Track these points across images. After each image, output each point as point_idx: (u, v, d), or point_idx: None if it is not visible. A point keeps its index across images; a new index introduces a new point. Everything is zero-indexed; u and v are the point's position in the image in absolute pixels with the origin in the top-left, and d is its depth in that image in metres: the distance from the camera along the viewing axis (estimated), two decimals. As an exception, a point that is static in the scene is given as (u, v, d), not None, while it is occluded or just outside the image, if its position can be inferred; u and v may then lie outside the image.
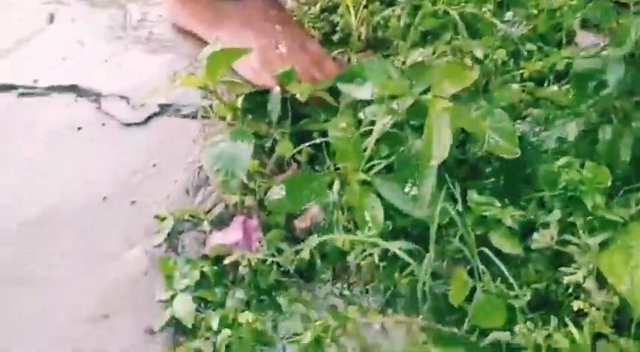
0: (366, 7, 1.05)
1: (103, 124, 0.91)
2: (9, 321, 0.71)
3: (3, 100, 0.96)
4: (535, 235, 0.70)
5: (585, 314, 0.66)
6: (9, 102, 0.94)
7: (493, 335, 0.67)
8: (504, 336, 0.67)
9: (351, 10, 1.04)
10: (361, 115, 0.79)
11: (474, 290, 0.71)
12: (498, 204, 0.70)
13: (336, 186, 0.78)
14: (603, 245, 0.67)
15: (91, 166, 0.86)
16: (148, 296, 0.74)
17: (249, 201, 0.83)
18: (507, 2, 0.99)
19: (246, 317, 0.70)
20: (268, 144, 0.87)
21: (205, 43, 0.97)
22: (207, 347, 0.67)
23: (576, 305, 0.62)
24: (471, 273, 0.72)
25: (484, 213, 0.71)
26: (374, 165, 0.78)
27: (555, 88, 0.79)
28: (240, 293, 0.74)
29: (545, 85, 0.84)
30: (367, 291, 0.77)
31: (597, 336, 0.66)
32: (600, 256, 0.66)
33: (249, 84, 0.90)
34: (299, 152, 0.86)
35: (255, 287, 0.75)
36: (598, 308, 0.62)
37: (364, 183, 0.77)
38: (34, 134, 0.90)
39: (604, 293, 0.64)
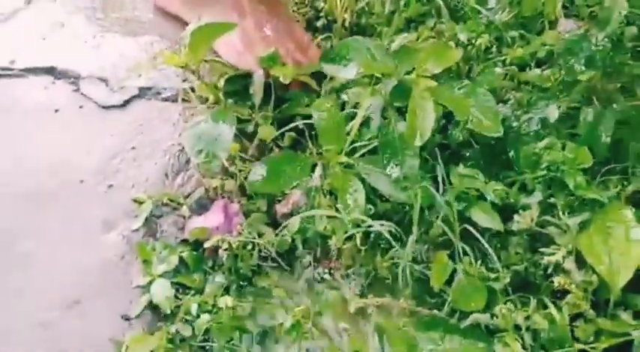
0: (349, -8, 1.04)
1: (81, 107, 0.88)
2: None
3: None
4: (516, 217, 0.70)
5: (564, 295, 0.66)
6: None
7: (473, 317, 0.67)
8: (484, 318, 0.67)
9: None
10: (344, 98, 0.79)
11: (454, 273, 0.71)
12: (482, 178, 0.70)
13: (319, 169, 0.77)
14: (582, 226, 0.67)
15: (68, 150, 0.84)
16: (124, 282, 0.72)
17: (229, 185, 0.82)
18: (491, -11, 0.99)
19: (225, 301, 0.70)
20: (250, 129, 0.86)
21: (184, 23, 0.95)
22: (186, 331, 0.66)
23: (556, 281, 0.62)
24: (452, 257, 0.72)
25: (466, 188, 0.71)
26: (357, 148, 0.77)
27: (537, 71, 0.79)
28: (219, 278, 0.73)
29: (528, 70, 0.84)
30: (348, 276, 0.76)
31: (575, 317, 0.66)
32: (579, 237, 0.67)
33: (231, 66, 0.88)
34: (281, 137, 0.85)
35: (235, 272, 0.74)
36: (577, 287, 0.63)
37: (347, 166, 0.76)
38: (11, 116, 0.88)
39: (583, 273, 0.64)
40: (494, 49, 0.89)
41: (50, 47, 0.98)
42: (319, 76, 0.89)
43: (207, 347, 0.67)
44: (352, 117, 0.78)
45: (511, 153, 0.74)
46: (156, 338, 0.64)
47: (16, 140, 0.85)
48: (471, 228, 0.70)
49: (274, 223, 0.78)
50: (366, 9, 1.04)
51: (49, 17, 1.01)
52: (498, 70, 0.80)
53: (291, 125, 0.81)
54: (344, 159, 0.76)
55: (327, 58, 0.78)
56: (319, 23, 1.06)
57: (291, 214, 0.77)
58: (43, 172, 0.81)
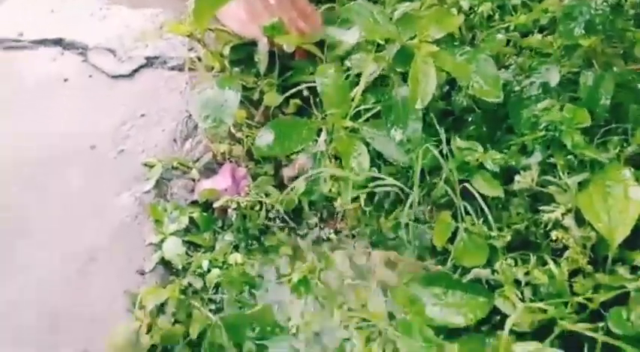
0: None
1: (90, 76, 0.90)
2: (1, 263, 0.72)
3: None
4: (517, 177, 0.72)
5: (562, 253, 0.68)
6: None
7: (475, 272, 0.69)
8: (485, 273, 0.69)
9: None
10: (348, 64, 0.80)
11: (456, 233, 0.73)
12: (481, 149, 0.72)
13: (324, 133, 0.79)
14: (582, 185, 0.69)
15: (78, 117, 0.86)
16: (138, 240, 0.75)
17: (237, 150, 0.84)
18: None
19: (235, 258, 0.72)
20: (256, 96, 0.87)
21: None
22: (197, 283, 0.69)
23: (554, 234, 0.64)
24: (454, 217, 0.74)
25: (467, 158, 0.72)
26: (361, 113, 0.79)
27: (539, 37, 0.80)
28: (229, 237, 0.75)
29: (530, 37, 0.85)
30: (353, 236, 0.78)
31: (574, 274, 0.68)
32: (579, 195, 0.68)
33: (236, 35, 0.90)
34: (286, 104, 0.87)
35: (243, 232, 0.76)
36: (576, 243, 0.65)
37: (351, 130, 0.78)
38: (21, 86, 0.90)
39: (581, 230, 0.66)
40: (496, 16, 0.90)
41: (58, 19, 0.99)
42: (323, 45, 0.91)
43: (218, 300, 0.69)
44: (356, 83, 0.80)
45: (512, 118, 0.75)
46: (168, 290, 0.66)
47: (28, 109, 0.87)
48: (472, 190, 0.72)
49: (281, 186, 0.80)
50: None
51: (57, -10, 1.03)
52: (500, 36, 0.81)
53: (295, 90, 0.82)
54: (348, 123, 0.77)
55: (331, 21, 0.79)
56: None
57: (297, 178, 0.79)
58: (55, 139, 0.84)
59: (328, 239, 0.79)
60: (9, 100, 0.88)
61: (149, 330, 0.66)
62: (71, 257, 0.72)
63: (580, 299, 0.65)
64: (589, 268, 0.65)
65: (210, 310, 0.68)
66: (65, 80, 0.91)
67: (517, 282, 0.68)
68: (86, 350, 0.66)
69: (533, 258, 0.69)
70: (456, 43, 0.84)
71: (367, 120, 0.79)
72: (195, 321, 0.65)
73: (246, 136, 0.84)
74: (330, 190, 0.77)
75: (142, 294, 0.66)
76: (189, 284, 0.68)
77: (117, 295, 0.69)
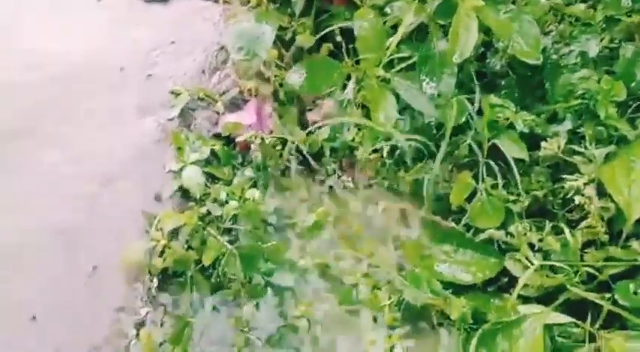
0: None
1: (125, -3, 0.89)
2: (20, 175, 0.73)
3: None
4: (543, 144, 0.71)
5: (578, 224, 0.68)
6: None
7: (488, 232, 0.70)
8: (499, 234, 0.70)
9: None
10: (388, 11, 0.79)
11: (474, 194, 0.74)
12: (513, 108, 0.71)
13: (353, 80, 0.79)
14: (607, 158, 0.69)
15: (110, 36, 0.85)
16: (158, 165, 0.75)
17: (264, 89, 0.83)
18: None
19: (253, 193, 0.73)
20: (288, 36, 0.86)
21: None
22: (216, 211, 0.69)
23: (577, 199, 0.64)
24: (475, 178, 0.74)
25: (497, 116, 0.72)
26: (394, 64, 0.78)
27: (582, 6, 0.78)
28: (248, 172, 0.75)
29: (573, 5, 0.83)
30: (370, 186, 0.79)
31: (588, 246, 0.69)
32: (603, 168, 0.68)
33: (275, -27, 0.88)
34: (317, 48, 0.86)
35: (263, 169, 0.77)
36: (594, 213, 0.65)
37: (382, 80, 0.77)
38: (57, 6, 0.88)
39: (602, 202, 0.66)
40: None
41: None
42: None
43: (234, 231, 0.70)
44: (393, 33, 0.79)
45: (547, 84, 0.74)
46: (186, 215, 0.67)
47: (62, 28, 0.86)
48: (498, 151, 0.72)
49: (305, 129, 0.80)
50: None
51: None
52: (544, 1, 0.80)
53: (328, 30, 0.81)
54: (380, 72, 0.76)
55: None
56: None
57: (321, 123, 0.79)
58: (84, 57, 0.83)
59: (345, 187, 0.79)
60: (40, 15, 0.87)
61: (162, 253, 0.67)
62: (89, 176, 0.73)
63: (590, 269, 0.66)
64: (605, 237, 0.66)
65: (225, 241, 0.69)
66: (99, 0, 0.89)
67: (530, 246, 0.69)
68: (100, 265, 0.67)
69: (548, 225, 0.69)
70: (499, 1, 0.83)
71: (399, 71, 0.78)
72: (209, 249, 0.66)
73: (275, 76, 0.83)
74: (353, 139, 0.78)
75: (160, 216, 0.67)
76: (208, 213, 0.69)
77: (133, 216, 0.70)
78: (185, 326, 0.65)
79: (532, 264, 0.66)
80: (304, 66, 0.76)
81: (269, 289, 0.69)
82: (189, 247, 0.69)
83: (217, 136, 0.79)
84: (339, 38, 0.84)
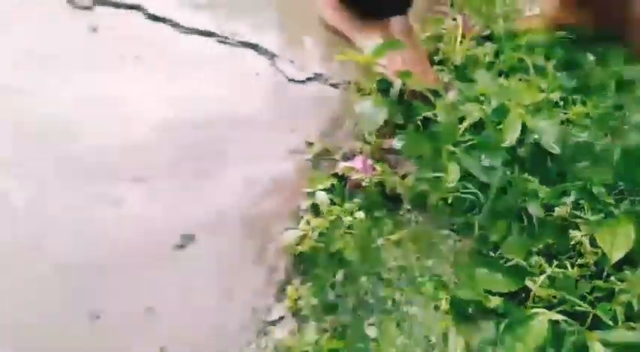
0: (461, 42, 1.45)
1: (275, 75, 1.30)
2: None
3: (205, 44, 1.36)
4: (556, 209, 1.07)
5: (576, 261, 1.03)
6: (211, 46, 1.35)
7: (515, 261, 1.04)
8: (523, 263, 1.04)
9: (451, 42, 1.44)
10: (460, 108, 1.19)
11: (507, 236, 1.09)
12: (536, 182, 1.08)
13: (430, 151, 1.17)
14: (599, 222, 1.04)
15: (260, 100, 1.25)
16: (296, 188, 1.12)
17: (366, 149, 1.22)
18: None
19: (359, 214, 1.09)
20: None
21: (348, 40, 1.38)
22: (335, 221, 1.05)
23: (576, 235, 0.99)
24: (509, 226, 1.10)
25: (526, 187, 1.09)
26: (460, 143, 1.16)
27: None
28: (357, 200, 1.12)
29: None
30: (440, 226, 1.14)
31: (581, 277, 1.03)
32: (596, 228, 1.04)
33: (382, 74, 1.29)
34: (405, 125, 1.25)
35: (364, 200, 1.13)
36: (587, 253, 1.00)
37: (451, 153, 1.15)
38: (220, 77, 1.30)
39: (593, 248, 1.01)
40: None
41: (257, 32, 1.41)
42: (436, 94, 1.29)
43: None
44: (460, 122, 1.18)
45: (564, 168, 1.12)
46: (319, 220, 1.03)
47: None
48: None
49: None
50: (472, 56, 1.44)
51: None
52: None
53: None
54: (451, 148, 1.15)
55: (461, 77, 1.18)
56: (437, 58, 1.46)
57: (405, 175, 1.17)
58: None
59: (417, 222, 1.15)
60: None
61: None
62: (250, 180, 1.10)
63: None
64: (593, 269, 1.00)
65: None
66: (257, 74, 1.31)
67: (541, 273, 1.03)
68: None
69: (555, 262, 1.04)
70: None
71: (464, 148, 1.16)
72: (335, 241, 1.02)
73: (375, 141, 1.22)
74: (429, 188, 1.14)
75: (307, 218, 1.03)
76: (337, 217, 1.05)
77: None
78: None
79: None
80: (404, 136, 1.14)
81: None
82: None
83: (335, 175, 1.17)
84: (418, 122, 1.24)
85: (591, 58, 1.39)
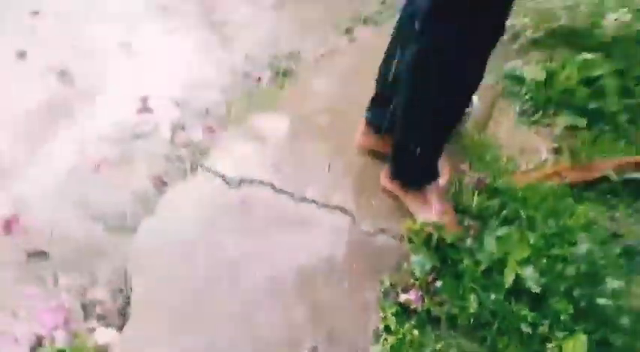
0: (478, 194, 2.13)
1: (354, 229, 2.00)
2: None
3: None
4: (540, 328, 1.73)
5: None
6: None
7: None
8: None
9: (469, 196, 2.13)
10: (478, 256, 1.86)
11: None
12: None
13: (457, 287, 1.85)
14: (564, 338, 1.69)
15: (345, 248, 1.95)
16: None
17: (417, 285, 1.89)
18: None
19: (415, 332, 1.76)
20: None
21: (402, 201, 2.09)
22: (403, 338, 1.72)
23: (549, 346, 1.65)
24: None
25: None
26: (478, 279, 1.83)
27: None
28: (412, 322, 1.79)
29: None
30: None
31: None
32: (562, 341, 1.68)
33: (425, 232, 1.98)
34: (441, 269, 1.92)
35: (418, 321, 1.80)
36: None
37: (472, 288, 1.82)
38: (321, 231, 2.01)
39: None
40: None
41: (341, 198, 2.12)
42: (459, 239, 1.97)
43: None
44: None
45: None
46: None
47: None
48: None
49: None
50: (484, 208, 2.13)
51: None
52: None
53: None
54: (472, 284, 1.82)
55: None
56: (461, 207, 2.15)
57: (442, 303, 1.85)
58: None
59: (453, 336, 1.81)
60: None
61: (380, 351, 1.70)
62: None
63: None
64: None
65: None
66: (342, 229, 2.01)
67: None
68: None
69: None
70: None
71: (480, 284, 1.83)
72: None
73: (422, 278, 1.90)
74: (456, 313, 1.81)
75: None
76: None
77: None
78: None
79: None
80: (441, 278, 1.83)
81: None
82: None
83: (397, 303, 1.84)
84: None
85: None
